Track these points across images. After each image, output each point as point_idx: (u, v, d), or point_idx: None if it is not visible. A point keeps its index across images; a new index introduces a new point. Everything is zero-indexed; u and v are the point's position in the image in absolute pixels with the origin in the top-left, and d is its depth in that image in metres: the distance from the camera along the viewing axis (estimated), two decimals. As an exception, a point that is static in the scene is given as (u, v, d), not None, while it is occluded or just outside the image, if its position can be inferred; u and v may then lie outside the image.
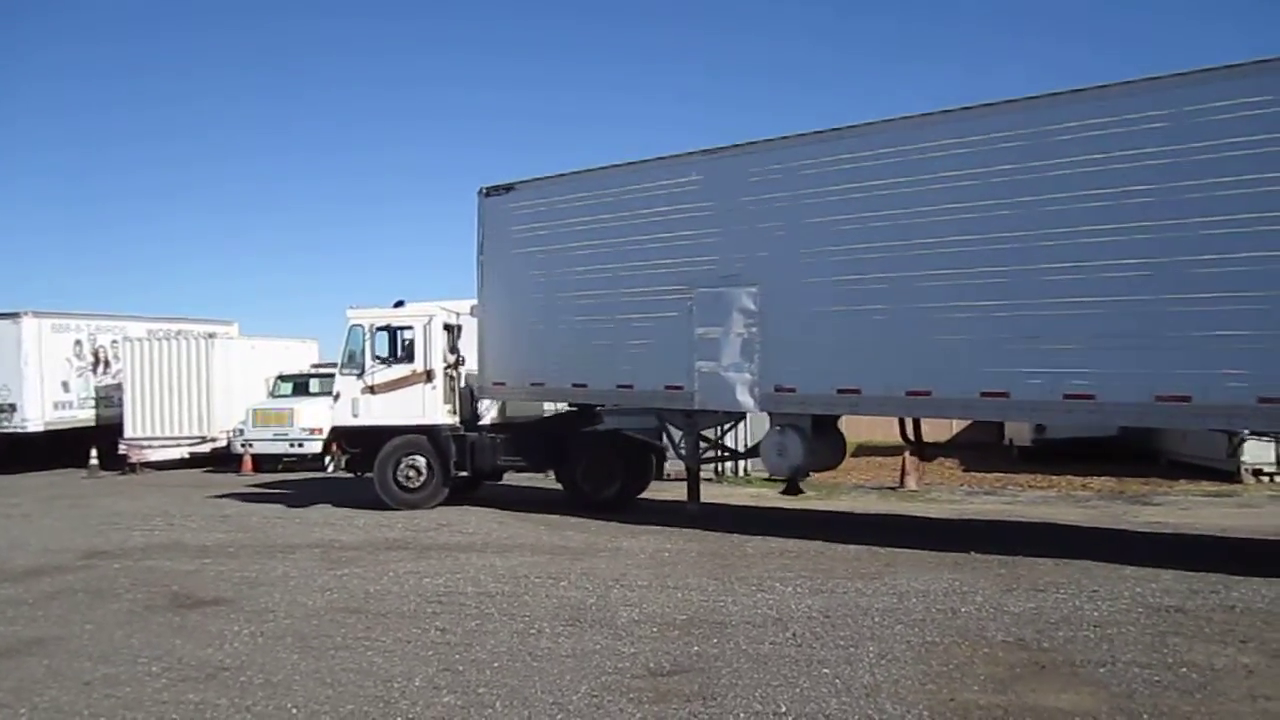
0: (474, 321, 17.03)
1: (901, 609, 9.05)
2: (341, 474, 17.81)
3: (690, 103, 68.55)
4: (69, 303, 28.01)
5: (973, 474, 21.13)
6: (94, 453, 24.92)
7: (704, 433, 15.19)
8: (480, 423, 17.29)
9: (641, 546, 12.61)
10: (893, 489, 18.79)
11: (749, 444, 15.84)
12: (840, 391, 12.72)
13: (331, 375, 25.76)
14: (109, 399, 26.28)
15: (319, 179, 75.30)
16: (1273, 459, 18.77)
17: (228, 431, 24.86)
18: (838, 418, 14.19)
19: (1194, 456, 20.24)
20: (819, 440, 13.64)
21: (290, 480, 22.11)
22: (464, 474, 16.67)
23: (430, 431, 16.46)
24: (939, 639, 8.02)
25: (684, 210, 14.16)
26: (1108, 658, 7.39)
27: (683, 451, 15.15)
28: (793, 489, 16.32)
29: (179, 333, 27.12)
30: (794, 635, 8.21)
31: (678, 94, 70.49)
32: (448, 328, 16.88)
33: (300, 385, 25.92)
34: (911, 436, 14.32)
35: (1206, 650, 7.53)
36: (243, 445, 24.18)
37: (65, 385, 25.66)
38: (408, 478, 16.49)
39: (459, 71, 72.98)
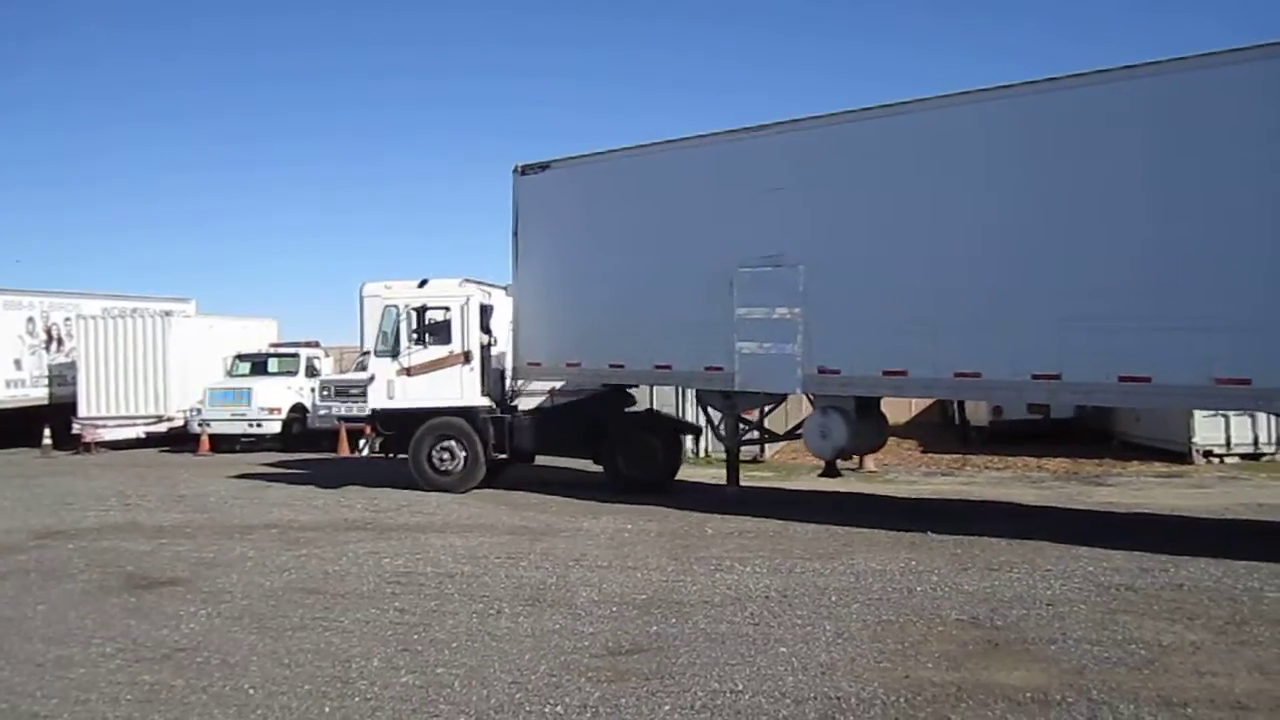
0: (506, 301, 16.87)
1: (859, 588, 9.15)
2: (376, 456, 17.53)
3: (727, 86, 68.04)
4: (21, 280, 27.46)
5: (930, 455, 21.37)
6: (47, 432, 24.54)
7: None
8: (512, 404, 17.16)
9: (602, 527, 12.64)
10: (852, 470, 18.93)
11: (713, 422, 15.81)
12: (886, 373, 12.48)
13: (290, 355, 25.88)
14: (62, 377, 25.86)
15: (282, 158, 74.32)
16: (1223, 440, 19.16)
17: (184, 411, 24.59)
18: (880, 399, 14.05)
19: (1147, 438, 20.60)
20: (862, 422, 13.47)
21: (304, 460, 21.87)
22: (502, 456, 16.44)
23: (468, 413, 16.24)
24: (895, 618, 8.11)
25: (725, 189, 13.91)
26: (1059, 635, 7.51)
27: (721, 433, 15.09)
28: (831, 472, 16.24)
29: (134, 310, 26.66)
30: (752, 615, 8.27)
31: (705, 78, 70.01)
32: (482, 308, 16.72)
33: (258, 365, 25.73)
34: (956, 420, 14.31)
35: (1155, 627, 7.69)
36: (200, 425, 23.93)
37: (17, 363, 25.20)
38: (443, 460, 16.19)
39: (421, 52, 72.26)
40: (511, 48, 72.35)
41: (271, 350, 26.80)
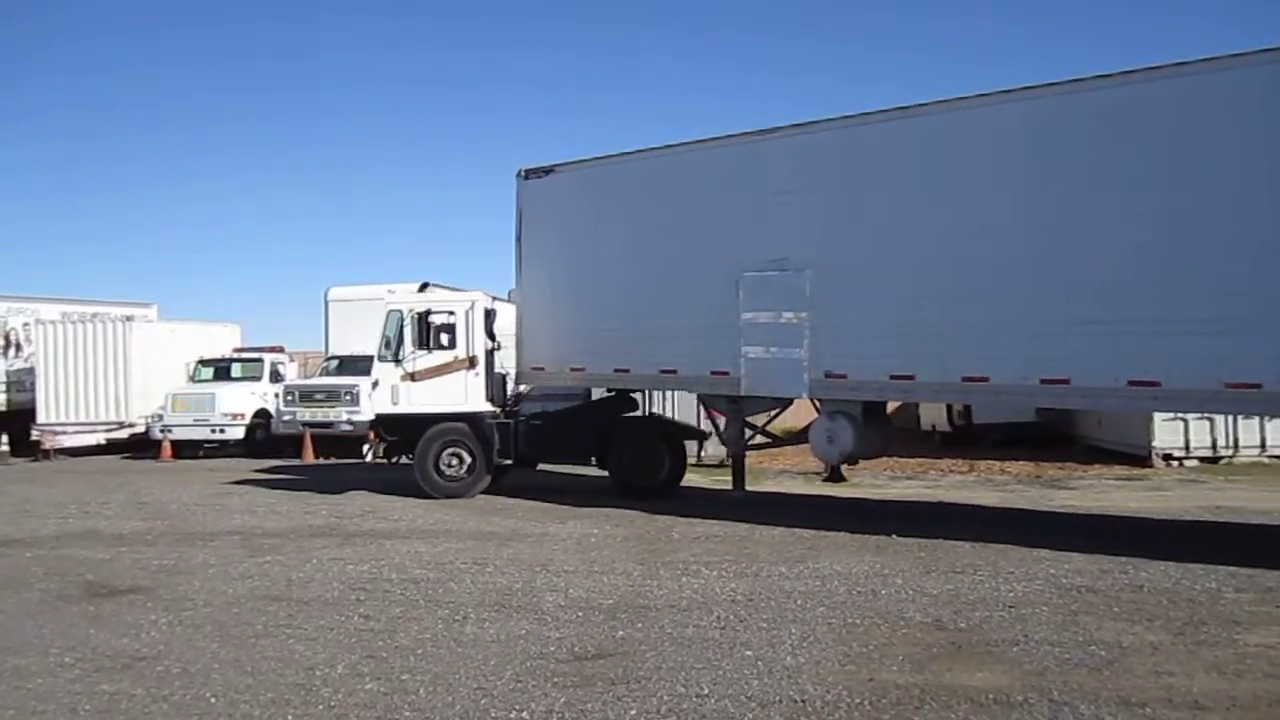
0: (509, 306, 16.85)
1: (824, 591, 9.19)
2: (380, 460, 17.47)
3: (728, 91, 68.01)
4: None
5: (895, 459, 21.49)
6: (5, 439, 24.25)
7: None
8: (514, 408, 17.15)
9: (568, 532, 12.63)
10: (817, 473, 18.99)
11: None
12: (893, 378, 12.37)
13: (254, 360, 25.68)
14: (21, 383, 25.54)
15: (245, 163, 73.70)
16: (1182, 444, 19.44)
17: (146, 417, 24.31)
18: (885, 403, 13.95)
19: (1108, 441, 20.86)
20: (869, 427, 13.36)
21: (269, 466, 21.67)
22: (507, 462, 16.36)
23: (473, 419, 16.17)
24: (859, 621, 8.16)
25: (731, 192, 13.85)
26: (1021, 637, 7.59)
27: (727, 438, 15.06)
28: (836, 477, 16.29)
29: (95, 315, 26.41)
30: (718, 619, 8.29)
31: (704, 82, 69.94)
32: (487, 313, 16.66)
33: (222, 370, 25.52)
34: (961, 423, 14.30)
35: (1115, 628, 7.78)
36: (162, 431, 23.65)
37: (-26, 369, 24.88)
38: (450, 465, 16.12)
39: (394, 58, 71.92)
40: (485, 51, 72.20)
41: (235, 355, 26.59)
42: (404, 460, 16.68)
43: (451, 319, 16.26)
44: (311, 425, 22.97)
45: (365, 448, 17.65)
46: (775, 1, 67.58)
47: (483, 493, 16.17)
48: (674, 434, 16.77)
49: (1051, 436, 22.63)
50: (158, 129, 70.47)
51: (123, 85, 67.81)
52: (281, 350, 27.19)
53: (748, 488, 15.35)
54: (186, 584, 10.00)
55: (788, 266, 13.21)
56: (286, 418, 23.34)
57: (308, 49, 70.74)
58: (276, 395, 23.96)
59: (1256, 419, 18.80)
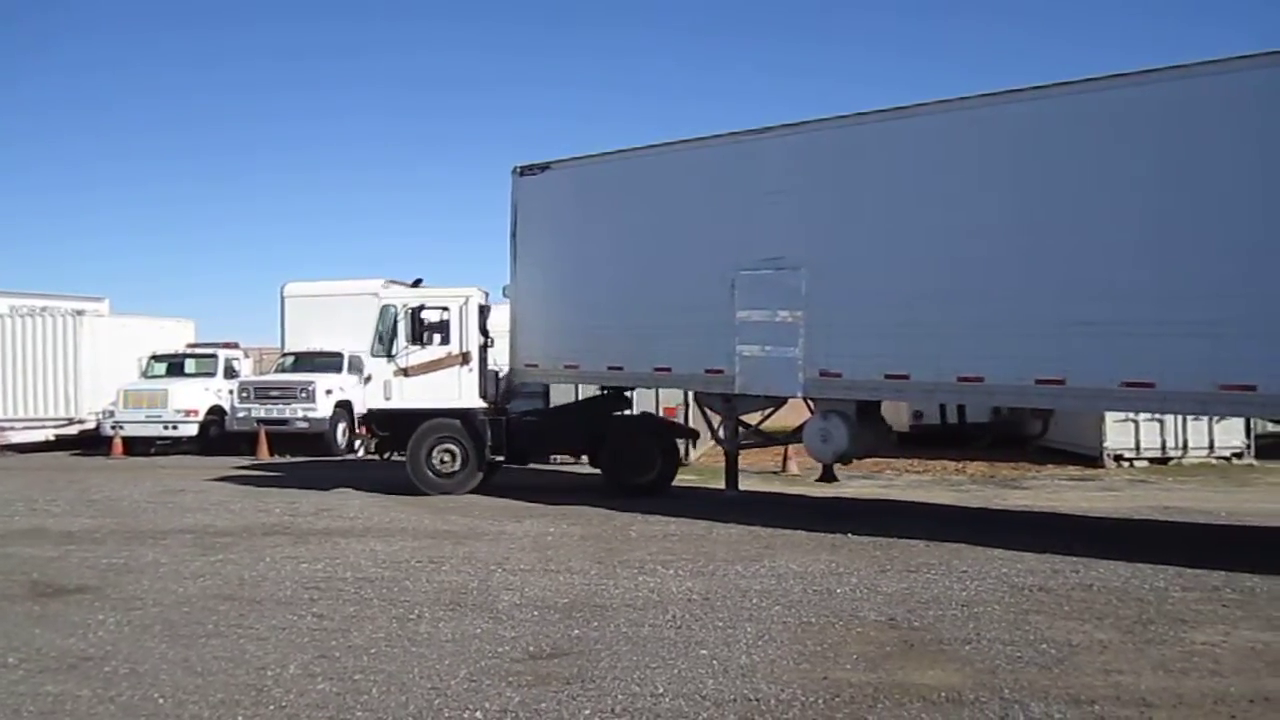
0: (502, 303, 16.84)
1: (780, 590, 9.23)
2: (371, 457, 17.39)
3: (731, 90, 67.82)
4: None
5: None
6: (-50, 435, 23.71)
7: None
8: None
9: (525, 530, 12.58)
10: (775, 473, 19.11)
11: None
12: (888, 377, 12.34)
13: (208, 355, 25.34)
14: (-33, 379, 24.99)
15: (198, 156, 72.67)
16: (1133, 444, 19.75)
17: (97, 413, 23.90)
18: (879, 403, 13.95)
19: (1061, 442, 21.10)
20: (863, 426, 13.37)
21: (223, 463, 21.37)
22: (500, 459, 16.31)
23: (465, 415, 16.09)
24: (815, 619, 8.20)
25: (727, 191, 13.82)
26: (973, 635, 7.67)
27: (721, 436, 15.05)
28: (828, 476, 16.31)
29: (44, 309, 25.91)
30: (674, 618, 8.29)
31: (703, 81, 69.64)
32: (480, 309, 16.59)
33: (175, 365, 25.18)
34: (955, 422, 14.35)
35: (1065, 627, 7.88)
36: (113, 427, 23.24)
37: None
38: (443, 462, 16.01)
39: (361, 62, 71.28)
40: (452, 52, 71.77)
41: (189, 351, 26.23)
42: (398, 457, 16.62)
43: (445, 315, 16.23)
44: (266, 422, 22.75)
45: (357, 443, 17.58)
46: (776, 5, 67.82)
47: (470, 490, 16.12)
48: (666, 433, 16.70)
49: (1006, 437, 22.85)
50: (109, 121, 69.31)
51: (123, 83, 66.76)
52: (236, 346, 26.83)
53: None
54: (136, 583, 9.83)
55: (783, 265, 13.21)
56: (241, 415, 23.11)
57: (295, 50, 70.03)
58: (231, 392, 23.70)
59: (1205, 421, 19.17)
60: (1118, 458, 19.82)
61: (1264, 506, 14.57)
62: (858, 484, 17.90)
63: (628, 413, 17.16)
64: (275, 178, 73.41)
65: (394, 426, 16.41)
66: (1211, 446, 19.93)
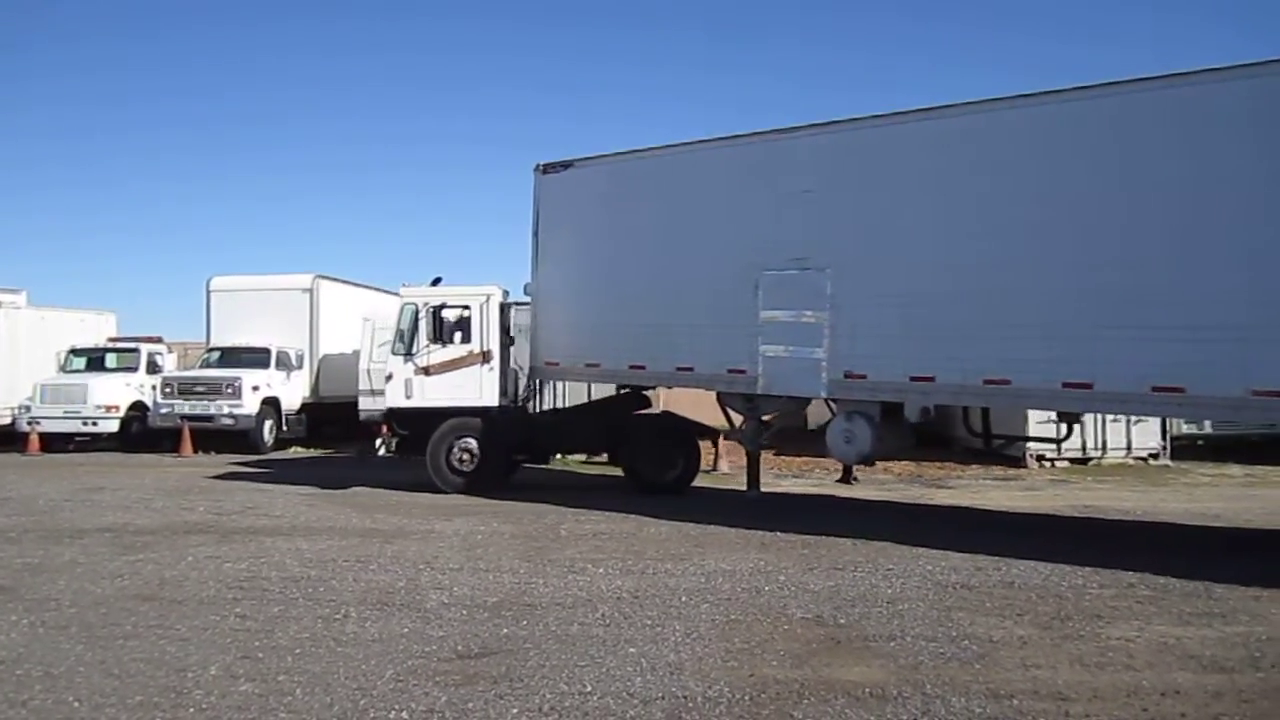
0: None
1: (709, 588, 9.29)
2: (391, 456, 17.10)
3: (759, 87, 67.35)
4: None
5: (782, 458, 21.81)
6: None
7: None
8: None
9: (455, 529, 12.50)
10: (706, 472, 19.17)
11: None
12: (914, 379, 12.26)
13: (130, 350, 24.77)
14: (-127, 372, 24.10)
15: (122, 147, 70.88)
16: (1054, 446, 20.17)
17: (12, 408, 23.21)
18: (903, 404, 13.67)
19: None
20: (887, 428, 13.24)
21: (146, 460, 20.83)
22: (520, 458, 16.13)
23: (486, 414, 15.93)
24: (742, 617, 8.27)
25: (752, 191, 13.76)
26: (898, 632, 7.79)
27: (743, 436, 14.97)
28: (847, 478, 16.20)
29: (-44, 301, 25.10)
30: (603, 616, 8.31)
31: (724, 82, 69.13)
32: (501, 307, 16.41)
33: (95, 360, 24.58)
34: (979, 429, 14.39)
35: (987, 623, 8.05)
36: (29, 423, 22.63)
37: None
38: (461, 461, 15.87)
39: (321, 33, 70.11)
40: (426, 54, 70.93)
41: (110, 345, 25.60)
42: (417, 457, 16.37)
43: (466, 313, 16.16)
44: (191, 419, 22.32)
45: (378, 441, 17.28)
46: (794, 5, 67.87)
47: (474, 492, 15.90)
48: (688, 432, 16.71)
49: (931, 437, 23.23)
50: (38, 108, 67.28)
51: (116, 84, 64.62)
52: (160, 340, 26.23)
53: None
54: (51, 583, 9.56)
55: (808, 266, 13.17)
56: (164, 411, 22.62)
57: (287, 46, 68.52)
58: (154, 387, 23.21)
59: (1123, 422, 19.69)
60: (1039, 458, 20.24)
61: (1178, 506, 14.99)
62: (788, 483, 18.09)
63: (649, 411, 17.15)
64: (200, 168, 71.68)
65: (414, 425, 16.22)
66: (1129, 447, 20.46)
